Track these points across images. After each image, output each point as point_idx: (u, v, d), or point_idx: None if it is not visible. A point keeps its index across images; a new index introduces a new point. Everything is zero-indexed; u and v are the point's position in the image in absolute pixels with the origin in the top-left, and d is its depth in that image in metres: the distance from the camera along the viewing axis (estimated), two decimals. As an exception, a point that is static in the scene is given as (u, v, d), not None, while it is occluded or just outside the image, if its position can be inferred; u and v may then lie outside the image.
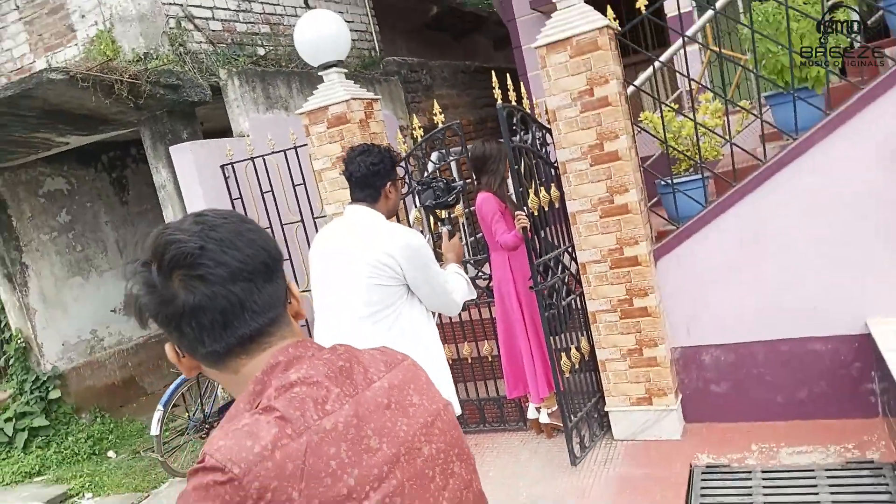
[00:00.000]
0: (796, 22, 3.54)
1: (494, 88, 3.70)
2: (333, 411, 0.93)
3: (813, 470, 3.25)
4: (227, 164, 4.81)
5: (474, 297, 2.88)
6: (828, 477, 3.18)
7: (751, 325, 3.67)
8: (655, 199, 4.28)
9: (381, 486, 0.91)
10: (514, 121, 3.64)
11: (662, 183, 3.96)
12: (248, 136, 5.23)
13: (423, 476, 0.97)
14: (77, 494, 5.57)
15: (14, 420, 6.63)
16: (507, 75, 4.23)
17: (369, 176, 2.57)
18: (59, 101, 4.89)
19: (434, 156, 5.03)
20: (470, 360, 4.34)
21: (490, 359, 4.31)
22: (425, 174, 4.25)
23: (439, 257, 2.85)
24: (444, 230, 3.01)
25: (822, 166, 3.39)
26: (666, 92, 5.99)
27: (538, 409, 4.10)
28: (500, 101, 3.54)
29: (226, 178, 4.83)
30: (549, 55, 3.63)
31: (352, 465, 0.90)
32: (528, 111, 3.86)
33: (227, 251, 0.96)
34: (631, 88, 3.97)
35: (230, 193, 4.84)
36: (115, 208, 7.96)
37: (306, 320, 2.96)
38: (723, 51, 4.22)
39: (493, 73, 4.10)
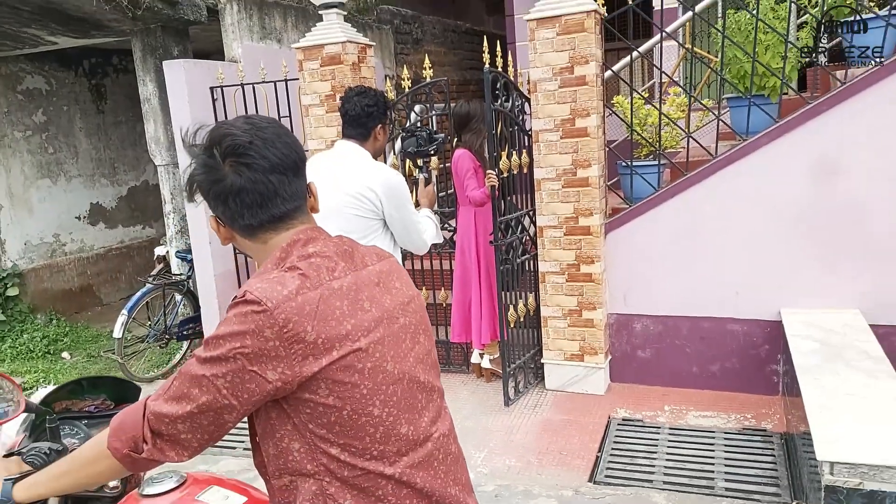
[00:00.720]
0: (764, 34, 3.88)
1: (484, 53, 3.95)
2: (340, 277, 1.23)
3: (713, 432, 3.70)
4: (217, 87, 4.97)
5: (440, 241, 3.16)
6: (725, 439, 3.63)
7: (679, 302, 4.08)
8: (616, 178, 4.62)
9: (369, 335, 1.22)
10: (498, 86, 3.91)
11: (623, 164, 4.30)
12: (240, 62, 5.38)
13: (398, 337, 1.29)
14: (31, 388, 5.77)
15: (-30, 313, 6.73)
16: (497, 41, 4.47)
17: (363, 116, 2.76)
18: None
19: (417, 108, 5.26)
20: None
21: (444, 306, 4.65)
22: (407, 124, 4.49)
23: (416, 203, 3.11)
24: (422, 177, 3.26)
25: (762, 169, 3.77)
26: (642, 80, 6.32)
27: (481, 355, 4.46)
28: (487, 66, 3.81)
29: (213, 100, 4.99)
30: (538, 29, 3.90)
31: (350, 316, 1.21)
32: (512, 79, 4.13)
33: (269, 148, 1.24)
34: (609, 73, 4.28)
35: (216, 116, 5.01)
36: (90, 116, 7.98)
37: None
38: (695, 50, 4.55)
39: (484, 37, 4.35)
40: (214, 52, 7.06)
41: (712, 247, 3.95)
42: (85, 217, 7.94)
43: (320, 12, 4.40)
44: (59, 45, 6.29)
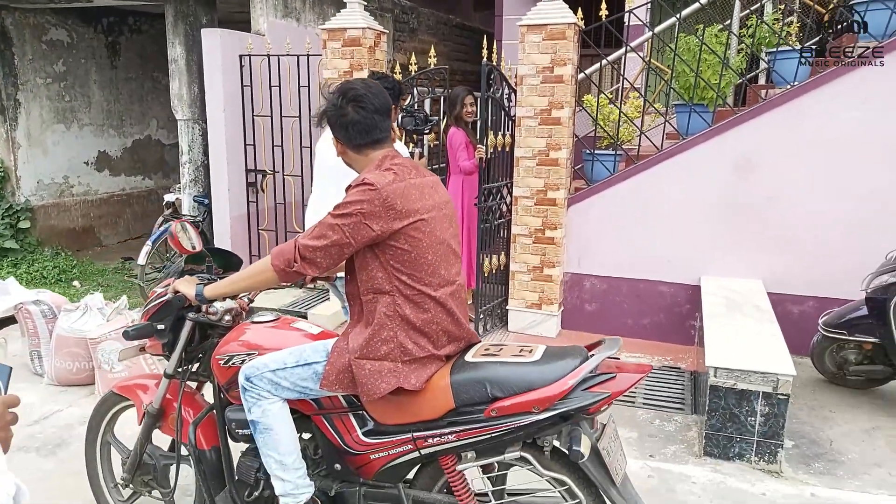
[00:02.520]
0: (707, 55, 4.83)
1: (483, 49, 4.82)
2: (414, 178, 2.10)
3: (639, 369, 4.65)
4: (245, 55, 5.73)
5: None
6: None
7: (621, 266, 5.02)
8: (581, 164, 5.54)
9: (429, 212, 2.08)
10: (492, 77, 4.78)
11: (587, 152, 5.22)
12: (262, 35, 6.13)
13: (442, 219, 2.15)
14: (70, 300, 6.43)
15: (-15, 238, 7.33)
16: (484, 37, 5.32)
17: None
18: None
19: (416, 91, 6.09)
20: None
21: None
22: (406, 105, 5.32)
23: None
24: (416, 151, 3.99)
25: (695, 163, 4.73)
26: (611, 83, 7.27)
27: (457, 300, 5.35)
28: (485, 60, 4.68)
29: (241, 67, 5.75)
30: (527, 34, 4.78)
31: (419, 200, 2.06)
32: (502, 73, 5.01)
33: (375, 98, 2.10)
34: (581, 75, 5.18)
35: (242, 80, 5.77)
36: (104, 70, 8.60)
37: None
38: (654, 62, 5.49)
39: (469, 31, 5.21)
40: (231, 22, 7.75)
41: (651, 223, 4.89)
42: (92, 163, 8.57)
43: (345, 0, 5.20)
44: (93, 2, 6.92)
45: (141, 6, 7.23)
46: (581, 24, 4.85)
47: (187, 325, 2.45)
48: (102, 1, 6.85)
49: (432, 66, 5.13)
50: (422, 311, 2.08)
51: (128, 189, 9.14)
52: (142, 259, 5.68)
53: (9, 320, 4.82)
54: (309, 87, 5.60)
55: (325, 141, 3.36)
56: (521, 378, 2.03)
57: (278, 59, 5.65)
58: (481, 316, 5.04)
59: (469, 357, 2.16)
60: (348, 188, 2.06)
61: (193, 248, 2.50)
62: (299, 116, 5.66)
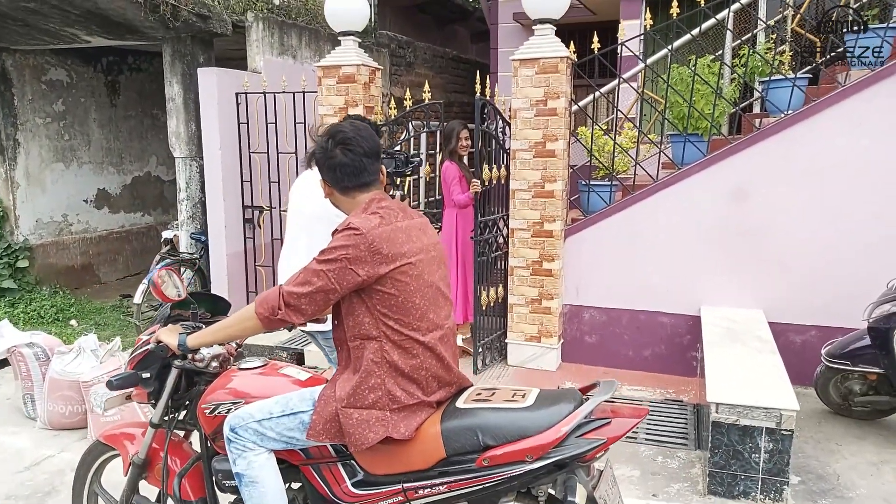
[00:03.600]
0: (700, 85, 4.84)
1: (477, 84, 4.83)
2: (400, 221, 2.07)
3: (641, 402, 4.58)
4: (242, 93, 5.76)
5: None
6: (650, 406, 4.51)
7: (621, 297, 4.98)
8: (577, 195, 5.52)
9: (416, 256, 2.05)
10: (486, 111, 4.79)
11: (582, 183, 5.20)
12: (258, 72, 6.17)
13: (431, 261, 2.12)
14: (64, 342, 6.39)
15: (-17, 278, 7.31)
16: (478, 70, 5.36)
17: None
18: (107, 5, 5.70)
19: (411, 125, 6.11)
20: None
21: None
22: (401, 137, 5.33)
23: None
24: (397, 194, 3.63)
25: (691, 193, 4.70)
26: (606, 114, 7.30)
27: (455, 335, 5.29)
28: (478, 94, 4.69)
29: (237, 105, 5.78)
30: (521, 68, 4.80)
31: (406, 243, 2.03)
32: (496, 106, 5.01)
33: (364, 141, 2.09)
34: (575, 107, 5.18)
35: (238, 118, 5.79)
36: (104, 109, 8.66)
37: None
38: (647, 93, 5.51)
39: (475, 65, 5.23)
40: (229, 59, 7.82)
41: (649, 253, 4.86)
42: (92, 201, 8.59)
43: (339, 38, 5.23)
44: (91, 43, 7.00)
45: (139, 46, 7.30)
46: (573, 57, 4.87)
47: (173, 373, 2.41)
48: (100, 42, 6.91)
49: (427, 101, 5.14)
50: (410, 356, 2.04)
51: (127, 226, 9.14)
52: (138, 298, 5.66)
53: (1, 363, 4.78)
54: (305, 123, 5.61)
55: (300, 189, 3.21)
56: (514, 425, 1.98)
57: (274, 97, 5.67)
58: (480, 350, 4.99)
59: (460, 403, 2.11)
60: (334, 233, 2.03)
61: (179, 295, 2.46)
62: (295, 153, 5.66)
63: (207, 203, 5.94)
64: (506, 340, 5.17)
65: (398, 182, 3.58)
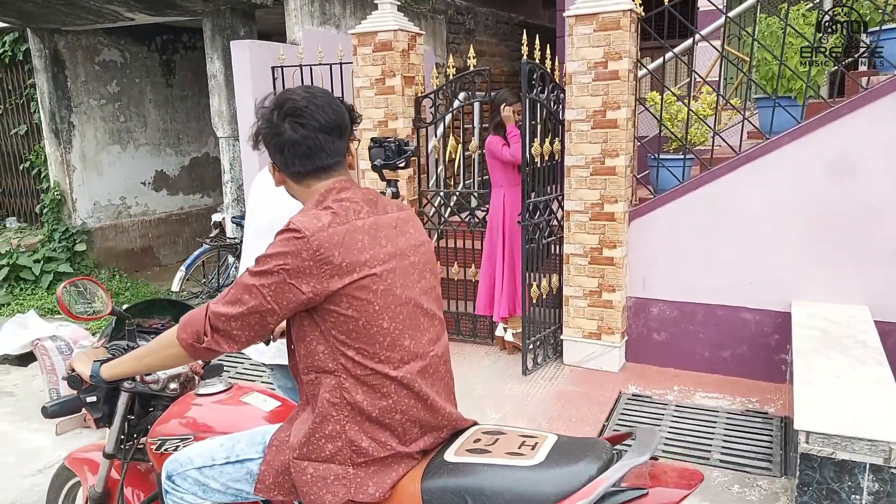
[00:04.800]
0: (793, 38, 4.06)
1: (523, 45, 4.23)
2: (363, 218, 1.56)
3: (717, 412, 3.93)
4: (278, 67, 5.37)
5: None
6: (727, 419, 3.86)
7: (696, 289, 4.30)
8: (646, 172, 4.84)
9: (383, 264, 1.55)
10: (535, 77, 4.19)
11: (651, 157, 4.53)
12: (297, 44, 5.76)
13: (407, 270, 1.61)
14: (93, 333, 6.31)
15: (42, 262, 7.32)
16: (537, 34, 4.73)
17: None
18: (139, -21, 5.41)
19: (461, 95, 5.55)
20: (456, 280, 5.00)
21: (473, 282, 4.96)
22: (450, 110, 4.79)
23: None
24: (389, 191, 2.88)
25: (782, 167, 3.96)
26: (685, 77, 6.49)
27: (505, 329, 4.77)
28: (525, 57, 4.09)
29: (273, 79, 5.39)
30: (576, 25, 4.16)
31: (369, 248, 1.53)
32: (549, 71, 4.39)
33: (320, 112, 1.58)
34: (643, 71, 4.50)
35: (275, 93, 5.40)
36: (159, 89, 8.52)
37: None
38: (730, 50, 4.74)
39: (547, 31, 4.62)
40: (276, 33, 7.46)
41: (730, 238, 4.16)
42: (150, 183, 8.50)
43: (376, 1, 4.73)
44: (135, 21, 6.79)
45: (190, 23, 7.04)
46: (640, 10, 4.19)
47: (122, 398, 2.01)
48: (144, 19, 6.68)
49: (472, 68, 4.58)
50: (379, 396, 1.55)
51: (186, 207, 9.04)
52: (175, 286, 5.42)
53: (30, 356, 4.62)
54: (343, 97, 5.16)
55: (258, 189, 2.51)
56: (513, 490, 1.47)
57: (311, 69, 5.25)
58: (530, 347, 4.44)
59: (450, 455, 1.61)
60: (278, 234, 1.55)
61: (95, 312, 2.03)
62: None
63: (245, 184, 5.61)
64: (561, 336, 4.60)
65: (394, 179, 2.91)
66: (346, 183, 1.63)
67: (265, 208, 2.36)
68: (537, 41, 4.36)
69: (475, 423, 1.78)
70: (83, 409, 2.04)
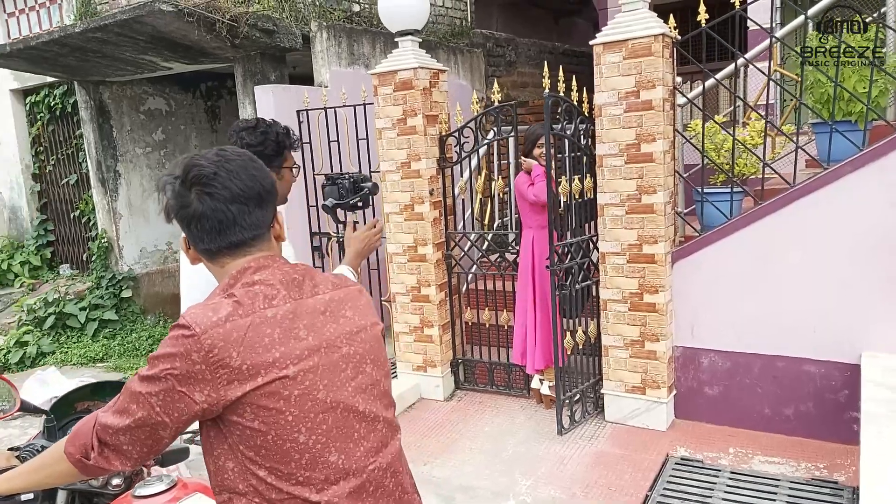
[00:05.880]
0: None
1: (544, 77, 3.94)
2: (277, 306, 1.29)
3: (778, 480, 3.45)
4: (303, 111, 5.24)
5: None
6: (789, 489, 3.37)
7: (751, 338, 3.85)
8: (692, 207, 4.44)
9: (300, 363, 1.26)
10: (559, 110, 3.88)
11: (697, 191, 4.13)
12: (326, 86, 5.64)
13: (337, 366, 1.32)
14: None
15: (87, 310, 7.40)
16: (582, 64, 4.44)
17: None
18: (167, 30, 5.41)
19: (490, 134, 5.29)
20: (488, 326, 4.68)
21: (506, 328, 4.63)
22: (475, 148, 4.50)
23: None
24: (350, 222, 2.38)
25: (844, 200, 3.50)
26: (729, 102, 6.03)
27: (541, 381, 4.40)
28: (546, 90, 3.80)
29: (299, 123, 5.26)
30: (604, 53, 3.85)
31: (281, 344, 1.26)
32: (577, 103, 4.08)
33: (233, 179, 1.33)
34: (682, 99, 4.12)
35: (301, 138, 5.26)
36: (204, 134, 8.60)
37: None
38: (779, 70, 4.31)
39: (575, 57, 4.32)
40: (305, 77, 7.43)
41: (788, 280, 3.70)
42: (195, 228, 8.54)
43: (396, 39, 4.55)
44: (173, 70, 6.85)
45: (225, 69, 7.06)
46: (674, 34, 3.84)
47: (61, 496, 1.79)
48: (181, 68, 6.73)
49: (497, 103, 4.31)
50: None
51: (231, 251, 9.04)
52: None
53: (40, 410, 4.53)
54: (367, 138, 4.99)
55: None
56: None
57: (335, 112, 5.09)
58: (565, 402, 4.07)
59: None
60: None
61: (1, 412, 1.81)
62: (359, 171, 5.03)
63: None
64: (601, 390, 4.20)
65: (345, 218, 2.45)
66: (265, 261, 1.36)
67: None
68: (560, 71, 4.06)
69: None
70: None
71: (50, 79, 7.85)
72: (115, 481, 1.81)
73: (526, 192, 4.09)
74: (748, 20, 4.05)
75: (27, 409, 1.80)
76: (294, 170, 2.30)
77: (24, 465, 1.47)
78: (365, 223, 2.33)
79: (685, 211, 4.42)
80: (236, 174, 1.34)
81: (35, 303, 7.38)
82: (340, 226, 2.46)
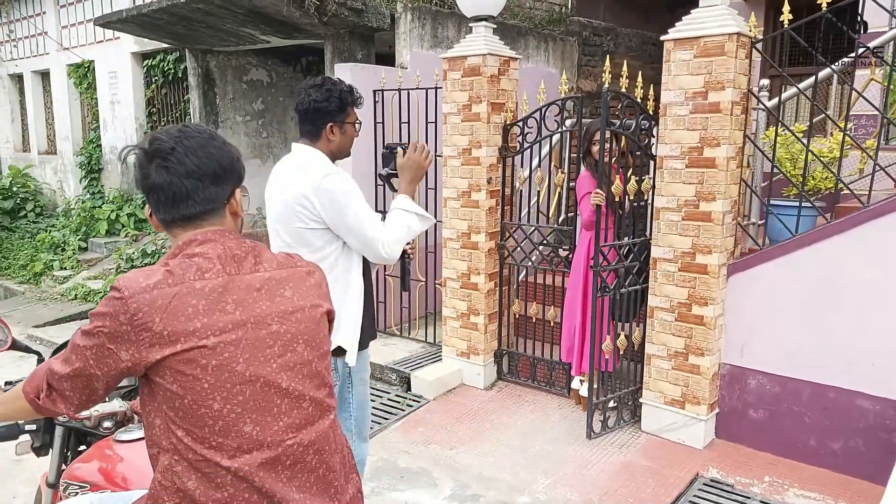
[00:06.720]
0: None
1: (605, 72, 3.82)
2: (208, 279, 1.35)
3: (812, 518, 3.24)
4: (378, 90, 5.34)
5: (431, 224, 2.61)
6: (822, 528, 3.16)
7: (804, 364, 3.61)
8: (763, 221, 4.19)
9: (221, 335, 1.32)
10: (620, 106, 3.76)
11: (768, 203, 3.89)
12: (405, 67, 5.71)
13: (263, 342, 1.37)
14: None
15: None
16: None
17: (311, 111, 2.41)
18: (260, 4, 5.65)
19: (568, 122, 5.16)
20: (535, 320, 4.63)
21: (552, 324, 4.56)
22: (538, 139, 4.42)
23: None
24: (400, 150, 2.59)
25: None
26: (823, 109, 5.60)
27: (582, 382, 4.32)
28: (606, 85, 3.68)
29: (374, 102, 5.37)
30: (674, 50, 3.69)
31: (204, 315, 1.32)
32: (642, 100, 3.93)
33: (189, 155, 1.40)
34: (771, 102, 3.88)
35: (374, 117, 5.38)
36: (301, 107, 8.92)
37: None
38: (876, 79, 3.96)
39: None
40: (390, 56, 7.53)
41: (848, 308, 3.44)
42: (285, 196, 8.92)
43: (470, 24, 4.53)
44: (271, 43, 7.15)
45: (315, 44, 7.29)
46: (754, 33, 3.62)
47: (58, 431, 1.97)
48: (278, 42, 7.01)
49: (563, 95, 4.23)
50: (213, 487, 1.33)
51: (317, 221, 9.38)
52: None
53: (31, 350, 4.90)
54: (436, 122, 5.02)
55: (271, 179, 2.56)
56: None
57: (408, 94, 5.16)
58: (596, 406, 3.98)
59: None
60: None
61: None
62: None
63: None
64: (640, 399, 4.07)
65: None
66: (212, 235, 1.42)
67: (274, 196, 2.50)
68: (624, 66, 3.91)
69: None
70: (26, 436, 2.03)
71: (165, 45, 8.38)
72: (107, 424, 1.95)
73: (580, 205, 4.00)
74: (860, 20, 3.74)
75: (19, 347, 1.98)
76: (357, 125, 2.54)
77: None
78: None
79: (759, 223, 4.18)
80: (193, 151, 1.41)
81: (134, 252, 7.97)
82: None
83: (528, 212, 4.97)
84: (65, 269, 8.92)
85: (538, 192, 4.77)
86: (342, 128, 2.46)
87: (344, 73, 5.39)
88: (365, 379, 2.73)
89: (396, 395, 4.68)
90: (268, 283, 1.43)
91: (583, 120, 4.18)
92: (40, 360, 1.98)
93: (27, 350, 2.03)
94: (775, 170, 3.87)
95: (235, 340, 1.34)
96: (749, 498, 3.40)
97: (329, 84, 2.43)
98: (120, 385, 2.07)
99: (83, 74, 10.38)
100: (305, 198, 2.33)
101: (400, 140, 5.18)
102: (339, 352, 2.52)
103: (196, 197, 1.41)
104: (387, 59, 6.72)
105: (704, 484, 3.53)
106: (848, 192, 3.76)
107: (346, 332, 2.49)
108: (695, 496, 3.43)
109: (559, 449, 3.90)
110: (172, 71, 8.71)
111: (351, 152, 2.60)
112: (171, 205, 1.42)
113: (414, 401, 4.56)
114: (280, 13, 5.81)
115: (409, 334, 5.58)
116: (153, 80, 9.16)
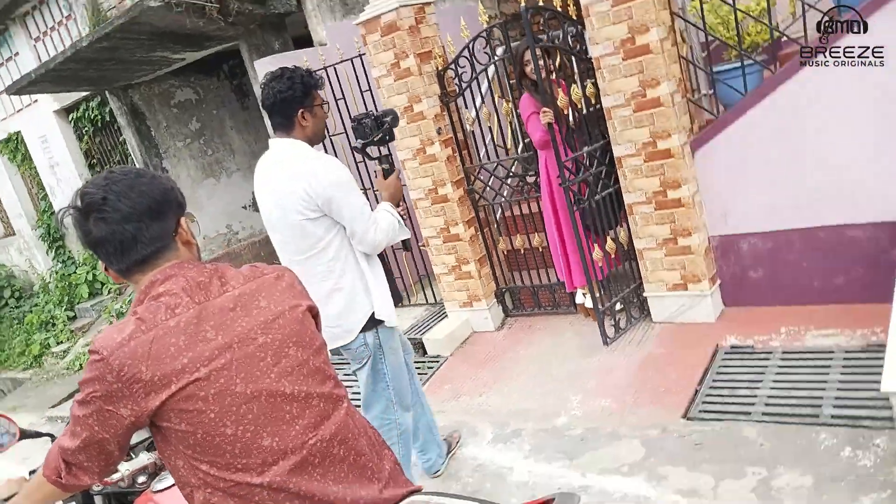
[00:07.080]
0: None
1: (519, -11, 3.76)
2: (180, 314, 1.35)
3: (833, 352, 3.35)
4: (306, 74, 5.25)
5: (407, 236, 2.77)
6: (844, 359, 3.27)
7: (787, 214, 3.67)
8: (711, 91, 4.20)
9: (210, 363, 1.33)
10: (543, 20, 3.72)
11: (711, 71, 3.89)
12: (324, 44, 5.61)
13: (254, 357, 1.38)
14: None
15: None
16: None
17: (279, 103, 2.46)
18: (162, 24, 5.50)
19: (499, 51, 5.11)
20: (523, 252, 4.67)
21: (541, 249, 4.60)
22: (474, 76, 4.38)
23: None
24: (380, 168, 2.78)
25: (873, 47, 3.22)
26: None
27: (584, 295, 4.38)
28: (522, 2, 3.64)
29: (306, 87, 5.28)
30: (579, -52, 3.63)
31: (187, 349, 1.32)
32: (563, 6, 3.88)
33: (121, 200, 1.38)
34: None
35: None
36: (237, 114, 8.77)
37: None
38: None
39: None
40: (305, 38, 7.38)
41: (815, 148, 3.49)
42: (249, 206, 8.83)
43: (377, -20, 4.43)
44: (186, 59, 6.98)
45: (231, 48, 7.12)
46: None
47: (98, 501, 2.01)
48: (192, 56, 6.85)
49: (485, 26, 4.16)
50: None
51: (289, 220, 9.31)
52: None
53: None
54: (371, 90, 4.96)
55: (257, 185, 2.65)
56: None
57: (334, 69, 5.08)
58: (604, 314, 4.05)
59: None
60: None
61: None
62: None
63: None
64: (644, 294, 4.14)
65: (382, 154, 2.81)
66: (171, 270, 1.41)
67: (264, 197, 2.57)
68: (540, -21, 3.86)
69: (415, 492, 1.54)
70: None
71: (84, 93, 8.17)
72: (140, 479, 1.98)
73: (527, 129, 3.98)
74: None
75: (28, 435, 1.99)
76: (325, 106, 2.63)
77: (24, 488, 1.64)
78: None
79: (710, 93, 4.19)
80: (124, 194, 1.39)
81: (121, 306, 7.92)
82: (376, 162, 2.79)
83: (487, 150, 4.96)
84: (61, 342, 8.87)
85: (489, 127, 4.74)
86: (312, 111, 2.52)
87: (265, 67, 5.28)
88: (395, 348, 2.80)
89: (415, 362, 4.72)
90: (240, 299, 1.43)
91: (512, 44, 4.13)
92: (53, 439, 1.99)
93: (38, 435, 2.04)
94: (710, 37, 3.87)
95: (226, 364, 1.35)
96: (771, 353, 3.50)
97: (288, 73, 2.48)
98: (142, 439, 2.09)
99: (14, 148, 10.14)
100: (307, 193, 2.40)
101: (367, 112, 5.11)
102: (366, 327, 2.59)
103: (142, 238, 1.40)
104: (306, 40, 6.58)
105: (726, 353, 3.63)
106: (786, 38, 3.78)
107: (376, 300, 2.61)
108: (721, 367, 3.52)
109: (581, 363, 3.98)
110: (100, 116, 8.52)
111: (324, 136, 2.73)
112: (121, 253, 1.40)
113: (433, 362, 4.63)
114: (184, 27, 5.66)
115: (410, 302, 5.62)
116: (84, 131, 8.96)
